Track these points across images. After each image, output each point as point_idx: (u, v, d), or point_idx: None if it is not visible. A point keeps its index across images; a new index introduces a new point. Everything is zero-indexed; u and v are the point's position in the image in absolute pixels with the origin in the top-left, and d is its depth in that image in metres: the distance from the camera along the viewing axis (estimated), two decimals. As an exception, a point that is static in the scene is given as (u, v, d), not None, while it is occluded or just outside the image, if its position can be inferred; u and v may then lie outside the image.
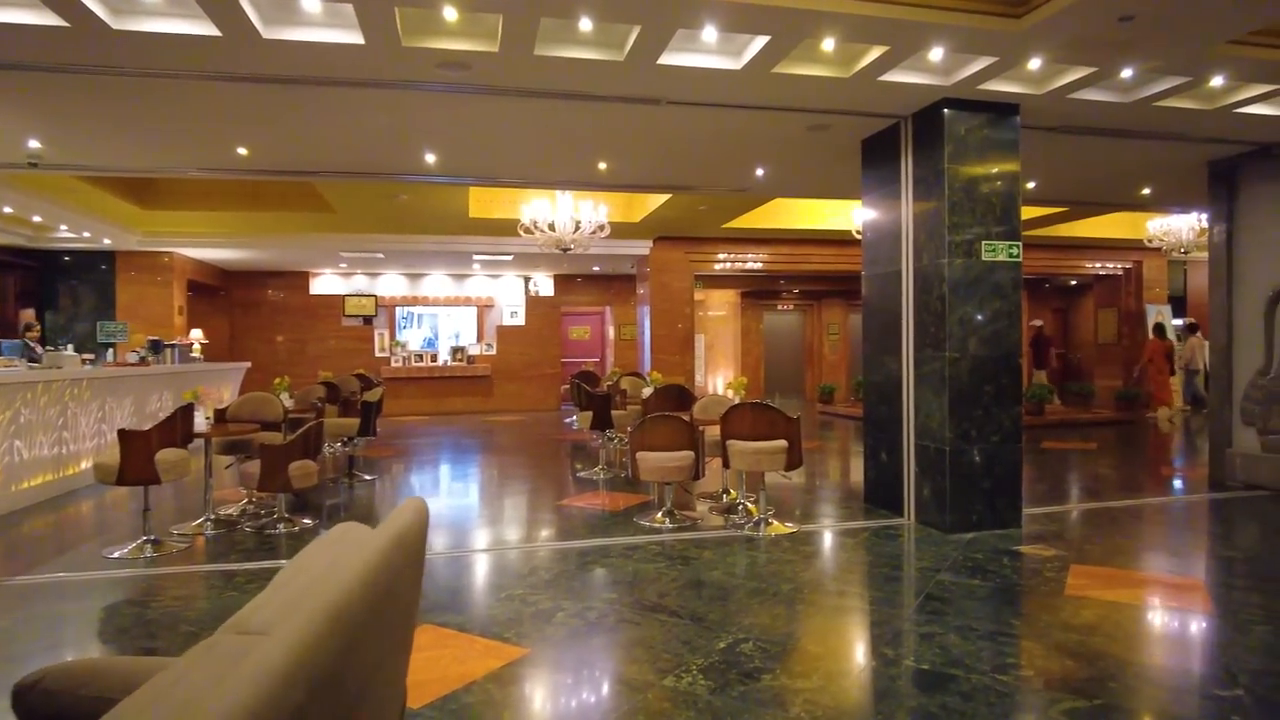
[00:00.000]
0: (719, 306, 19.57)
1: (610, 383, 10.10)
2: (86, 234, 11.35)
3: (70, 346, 9.69)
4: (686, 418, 6.11)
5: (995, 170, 5.65)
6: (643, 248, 13.37)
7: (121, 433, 5.11)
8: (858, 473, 7.54)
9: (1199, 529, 5.90)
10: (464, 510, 6.77)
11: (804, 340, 18.99)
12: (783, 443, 5.61)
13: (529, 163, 7.44)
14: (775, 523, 5.82)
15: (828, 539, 5.56)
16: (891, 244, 6.20)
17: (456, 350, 16.04)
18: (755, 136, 6.57)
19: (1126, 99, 5.60)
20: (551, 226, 9.71)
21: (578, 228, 9.76)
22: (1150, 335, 14.69)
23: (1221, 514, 6.27)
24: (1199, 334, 14.02)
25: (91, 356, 9.16)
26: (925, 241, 5.79)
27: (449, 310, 16.54)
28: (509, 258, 13.78)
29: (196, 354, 11.24)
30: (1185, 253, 13.02)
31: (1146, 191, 9.12)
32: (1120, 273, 16.30)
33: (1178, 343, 14.68)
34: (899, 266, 6.09)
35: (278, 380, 6.90)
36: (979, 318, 5.61)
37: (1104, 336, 16.57)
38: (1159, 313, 15.61)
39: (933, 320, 5.70)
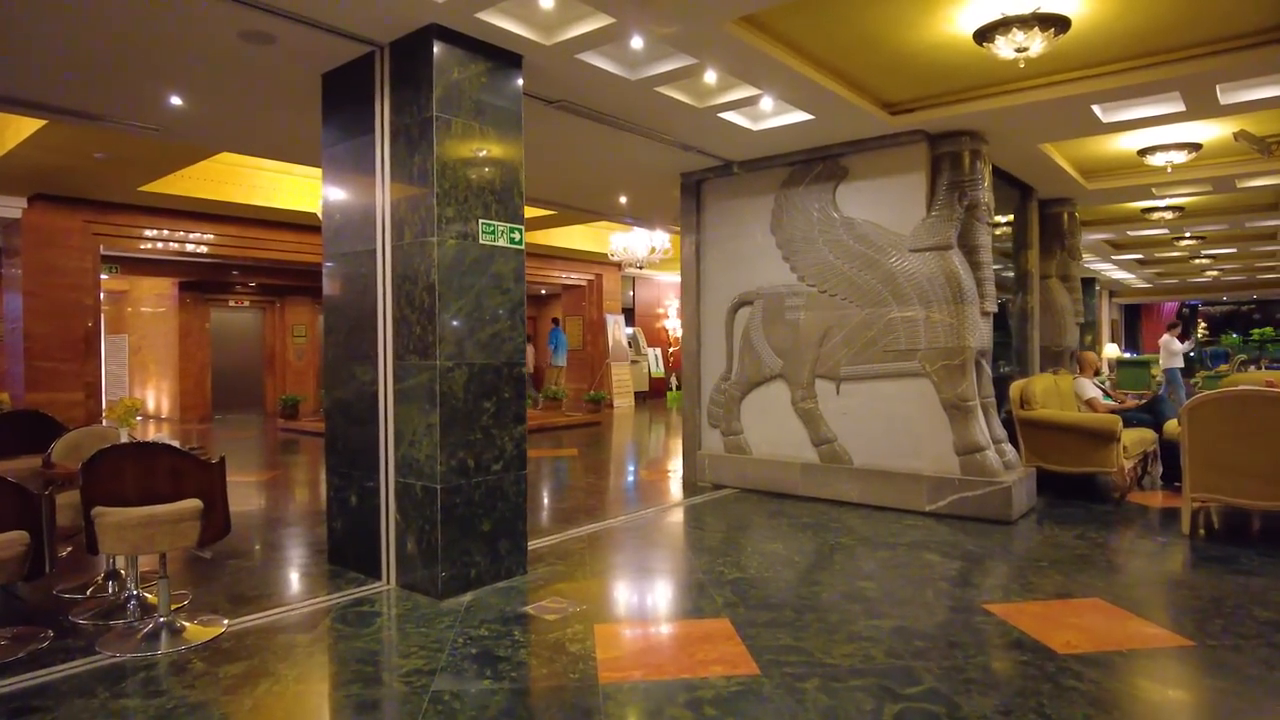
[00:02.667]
0: (154, 300, 15.49)
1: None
2: None
3: None
4: (26, 473, 3.65)
5: (495, 134, 4.50)
6: (11, 208, 9.36)
7: None
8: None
9: (693, 544, 5.59)
10: None
11: (264, 344, 16.11)
12: (194, 503, 3.60)
13: None
14: (190, 624, 3.77)
15: (271, 639, 3.73)
16: (363, 215, 4.63)
17: None
18: (152, 29, 4.30)
19: (632, 75, 4.98)
20: None
21: None
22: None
23: (703, 521, 6.16)
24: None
25: None
26: (408, 214, 4.35)
27: None
28: None
29: None
30: (640, 268, 14.22)
31: (624, 200, 9.22)
32: (585, 284, 17.39)
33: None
34: (373, 245, 4.55)
35: None
36: (479, 316, 4.40)
37: (571, 344, 17.47)
38: (616, 323, 16.99)
39: (419, 317, 4.30)
